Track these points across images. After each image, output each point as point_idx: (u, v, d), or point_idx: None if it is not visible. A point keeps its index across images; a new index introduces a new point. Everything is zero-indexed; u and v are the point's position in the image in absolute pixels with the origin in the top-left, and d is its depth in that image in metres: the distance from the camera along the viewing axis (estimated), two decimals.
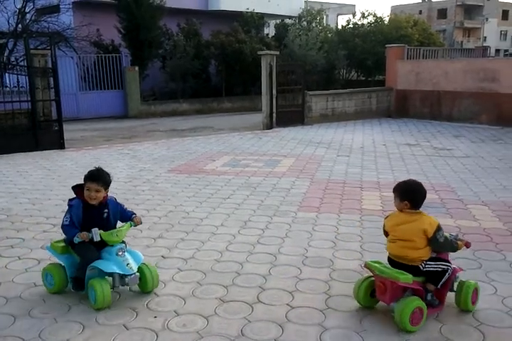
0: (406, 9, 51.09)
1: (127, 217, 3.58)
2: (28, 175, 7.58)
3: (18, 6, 17.19)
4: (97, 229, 3.30)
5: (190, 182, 7.02)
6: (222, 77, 19.19)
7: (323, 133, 12.07)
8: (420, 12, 60.49)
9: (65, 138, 10.14)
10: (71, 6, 18.09)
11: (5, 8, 17.21)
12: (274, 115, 13.23)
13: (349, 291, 3.47)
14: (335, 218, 5.22)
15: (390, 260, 3.22)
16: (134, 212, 3.67)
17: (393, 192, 3.21)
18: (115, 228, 3.47)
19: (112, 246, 3.36)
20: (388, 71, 16.14)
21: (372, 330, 3.00)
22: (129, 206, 5.67)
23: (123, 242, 3.47)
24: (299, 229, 4.86)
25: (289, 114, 13.52)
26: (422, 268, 3.06)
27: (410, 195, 3.12)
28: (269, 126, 13.13)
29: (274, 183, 6.85)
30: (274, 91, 13.14)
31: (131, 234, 4.74)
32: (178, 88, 18.07)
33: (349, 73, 23.57)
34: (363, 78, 23.24)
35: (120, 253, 3.35)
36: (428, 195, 3.40)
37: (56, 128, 10.06)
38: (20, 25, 17.43)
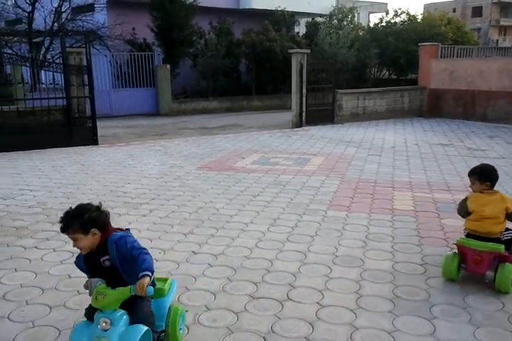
0: (440, 7, 50.03)
1: (136, 271, 2.43)
2: (63, 170, 7.76)
3: (55, 5, 17.62)
4: (96, 279, 2.49)
5: (219, 179, 7.06)
6: (252, 75, 19.21)
7: (353, 132, 11.95)
8: (454, 10, 59.11)
9: (98, 134, 10.35)
10: (105, 5, 18.40)
11: (42, 7, 17.66)
12: (304, 113, 13.18)
13: (380, 292, 3.45)
14: (365, 218, 5.16)
15: (471, 236, 3.56)
16: (148, 266, 2.47)
17: (471, 175, 3.59)
18: (132, 277, 2.45)
19: (101, 311, 2.42)
20: (421, 70, 15.85)
21: (404, 331, 2.96)
22: (160, 202, 5.79)
23: (119, 310, 2.43)
24: (329, 228, 4.83)
25: (319, 113, 13.44)
26: (502, 238, 3.51)
27: (490, 176, 3.54)
28: (298, 125, 13.09)
29: (303, 182, 6.83)
30: (304, 90, 13.08)
31: (162, 229, 4.82)
32: (209, 86, 18.18)
33: (380, 72, 23.25)
34: (395, 77, 22.88)
35: (102, 324, 2.36)
36: (463, 196, 3.76)
37: (90, 124, 10.26)
38: (56, 24, 17.86)
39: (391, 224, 4.97)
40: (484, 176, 3.51)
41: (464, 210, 3.59)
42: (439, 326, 3.02)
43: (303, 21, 24.71)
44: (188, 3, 17.02)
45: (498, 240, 3.47)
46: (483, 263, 3.43)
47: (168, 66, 16.84)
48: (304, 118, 13.18)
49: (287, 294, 3.42)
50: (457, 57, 15.94)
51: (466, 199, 3.60)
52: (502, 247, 3.40)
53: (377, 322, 3.05)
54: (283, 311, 3.20)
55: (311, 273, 3.76)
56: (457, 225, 4.52)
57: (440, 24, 22.38)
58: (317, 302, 3.30)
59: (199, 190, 6.43)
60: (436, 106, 15.11)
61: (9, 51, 15.32)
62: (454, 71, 14.71)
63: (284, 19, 20.71)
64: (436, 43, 15.97)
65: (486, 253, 3.40)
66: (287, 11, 20.89)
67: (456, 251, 3.60)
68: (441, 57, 15.46)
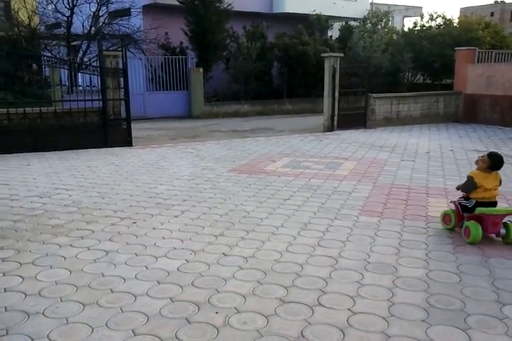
0: (477, 11, 48.93)
1: None
2: (98, 170, 7.92)
3: (93, 10, 18.05)
4: None
5: (250, 182, 7.07)
6: (284, 79, 19.21)
7: (386, 137, 11.79)
8: (492, 14, 57.76)
9: (132, 136, 10.53)
10: (141, 10, 18.75)
11: (80, 11, 18.12)
12: (336, 117, 13.08)
13: (414, 300, 3.38)
14: (399, 224, 5.07)
15: (478, 204, 4.57)
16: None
17: (489, 161, 4.59)
18: None
19: None
20: (457, 74, 15.52)
21: (438, 340, 2.89)
22: (191, 203, 5.86)
23: None
24: (361, 234, 4.77)
25: (351, 117, 13.32)
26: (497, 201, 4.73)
27: (500, 168, 4.68)
28: (330, 129, 13.00)
29: (335, 186, 6.77)
30: (337, 94, 12.99)
31: (193, 230, 4.85)
32: (241, 90, 18.27)
33: (415, 76, 22.89)
34: (429, 81, 22.49)
35: None
36: (499, 204, 4.63)
37: (125, 126, 10.45)
38: (93, 28, 18.29)
39: (425, 231, 4.86)
40: (497, 168, 4.64)
41: (473, 185, 4.59)
42: (474, 337, 2.93)
43: (336, 25, 24.59)
44: (222, 8, 17.18)
45: (496, 203, 4.67)
46: (499, 224, 4.49)
47: (201, 69, 17.01)
48: (335, 122, 13.08)
49: (318, 299, 3.39)
50: (495, 61, 15.54)
51: (472, 177, 4.62)
52: None
53: (411, 331, 2.99)
54: (313, 316, 3.16)
55: (343, 279, 3.71)
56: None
57: (477, 28, 21.90)
58: (349, 309, 3.25)
59: (230, 192, 6.45)
60: (472, 112, 14.77)
61: (48, 54, 15.83)
62: (491, 76, 14.35)
63: (318, 23, 20.65)
64: (473, 48, 15.61)
65: (502, 216, 4.51)
66: (323, 15, 20.84)
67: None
68: (478, 61, 15.11)
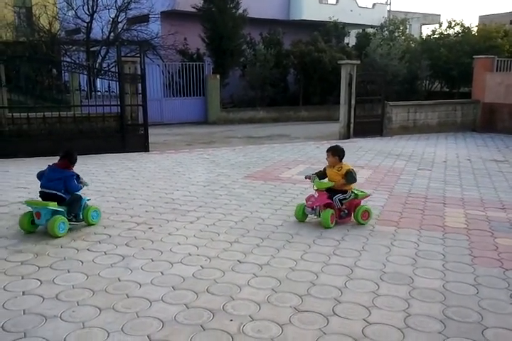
0: (496, 19, 48.44)
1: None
2: (115, 175, 8.01)
3: (112, 16, 18.32)
4: None
5: (265, 189, 7.08)
6: (300, 85, 19.24)
7: (403, 145, 11.72)
8: (511, 22, 57.19)
9: (149, 141, 10.61)
10: (159, 16, 18.97)
11: (100, 17, 18.41)
12: (352, 125, 13.04)
13: (430, 311, 3.35)
14: (415, 234, 5.03)
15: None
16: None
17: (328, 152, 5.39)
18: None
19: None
20: (475, 83, 15.39)
21: None
22: (207, 209, 5.89)
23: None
24: (377, 243, 4.74)
25: (367, 125, 13.27)
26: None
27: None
28: (346, 136, 12.96)
29: None
30: (353, 101, 12.96)
31: (208, 237, 4.87)
32: (257, 96, 18.33)
33: (432, 84, 22.73)
34: (447, 90, 22.30)
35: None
36: None
37: (142, 131, 10.55)
38: (112, 34, 18.55)
39: (442, 241, 4.82)
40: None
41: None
42: None
43: (353, 32, 24.58)
44: (238, 14, 17.28)
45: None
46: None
47: (218, 76, 17.12)
48: (351, 129, 13.05)
49: (333, 309, 3.37)
50: None
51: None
52: None
53: None
54: (328, 326, 3.15)
55: (358, 289, 3.69)
56: None
57: (496, 36, 21.66)
58: (364, 319, 3.23)
59: (245, 199, 6.46)
60: (491, 121, 14.61)
61: (68, 59, 16.08)
62: (510, 85, 14.20)
63: (335, 30, 20.67)
64: (492, 56, 15.48)
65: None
66: (340, 23, 20.86)
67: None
68: (497, 70, 14.97)
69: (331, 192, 5.28)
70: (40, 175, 5.21)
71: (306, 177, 5.58)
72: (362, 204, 5.48)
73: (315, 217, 5.33)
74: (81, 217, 5.16)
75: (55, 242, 4.69)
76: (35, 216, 4.88)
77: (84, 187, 5.45)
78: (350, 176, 5.26)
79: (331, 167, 5.39)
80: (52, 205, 4.89)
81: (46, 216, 4.85)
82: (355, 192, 5.43)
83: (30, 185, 7.21)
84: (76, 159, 5.29)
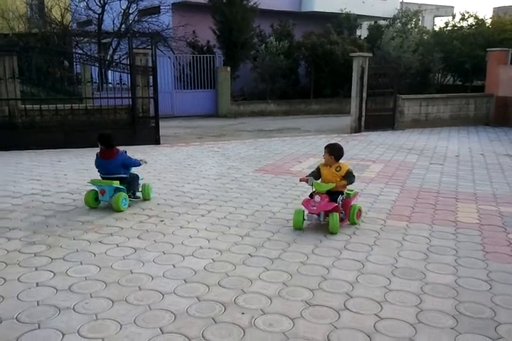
0: (510, 10, 47.70)
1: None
2: None
3: (123, 7, 18.30)
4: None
5: (276, 182, 7.07)
6: (311, 78, 19.13)
7: (415, 139, 11.63)
8: None
9: (160, 134, 10.63)
10: (170, 7, 18.91)
11: (111, 9, 18.41)
12: (363, 118, 12.96)
13: (442, 307, 3.33)
14: (427, 229, 5.00)
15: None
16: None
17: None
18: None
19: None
20: (489, 76, 15.20)
21: None
22: (217, 202, 5.90)
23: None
24: (388, 238, 4.72)
25: (379, 118, 13.18)
26: None
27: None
28: (357, 130, 12.89)
29: (361, 189, 6.69)
30: (365, 94, 12.87)
31: (219, 230, 4.88)
32: (267, 89, 18.26)
33: (444, 77, 22.49)
34: (460, 83, 22.06)
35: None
36: None
37: (153, 124, 10.57)
38: (123, 26, 18.54)
39: (454, 236, 4.78)
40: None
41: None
42: None
43: (365, 24, 24.33)
44: (247, 6, 17.16)
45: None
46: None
47: (229, 68, 17.07)
48: (363, 123, 12.97)
49: (344, 303, 3.37)
50: None
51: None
52: None
53: (439, 339, 2.95)
54: (340, 320, 3.15)
55: (370, 284, 3.68)
56: None
57: (511, 28, 21.35)
58: (375, 314, 3.23)
59: (256, 192, 6.46)
60: (504, 115, 14.44)
61: (80, 51, 16.11)
62: None
63: (347, 22, 20.48)
64: (506, 49, 15.25)
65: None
66: (352, 14, 20.65)
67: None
68: (511, 63, 14.75)
69: (329, 193, 4.93)
70: (97, 166, 5.73)
71: (300, 180, 5.18)
72: (352, 203, 5.18)
73: (321, 221, 4.95)
74: (137, 194, 5.83)
75: (67, 234, 4.73)
76: (100, 193, 5.47)
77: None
78: (351, 177, 5.00)
79: (326, 166, 5.09)
80: (116, 183, 5.47)
81: (110, 193, 5.45)
82: (347, 191, 5.17)
83: (42, 177, 7.27)
84: (113, 140, 5.75)
